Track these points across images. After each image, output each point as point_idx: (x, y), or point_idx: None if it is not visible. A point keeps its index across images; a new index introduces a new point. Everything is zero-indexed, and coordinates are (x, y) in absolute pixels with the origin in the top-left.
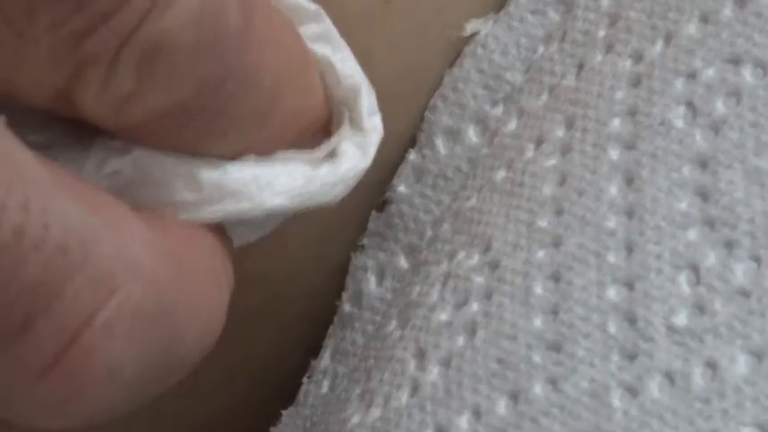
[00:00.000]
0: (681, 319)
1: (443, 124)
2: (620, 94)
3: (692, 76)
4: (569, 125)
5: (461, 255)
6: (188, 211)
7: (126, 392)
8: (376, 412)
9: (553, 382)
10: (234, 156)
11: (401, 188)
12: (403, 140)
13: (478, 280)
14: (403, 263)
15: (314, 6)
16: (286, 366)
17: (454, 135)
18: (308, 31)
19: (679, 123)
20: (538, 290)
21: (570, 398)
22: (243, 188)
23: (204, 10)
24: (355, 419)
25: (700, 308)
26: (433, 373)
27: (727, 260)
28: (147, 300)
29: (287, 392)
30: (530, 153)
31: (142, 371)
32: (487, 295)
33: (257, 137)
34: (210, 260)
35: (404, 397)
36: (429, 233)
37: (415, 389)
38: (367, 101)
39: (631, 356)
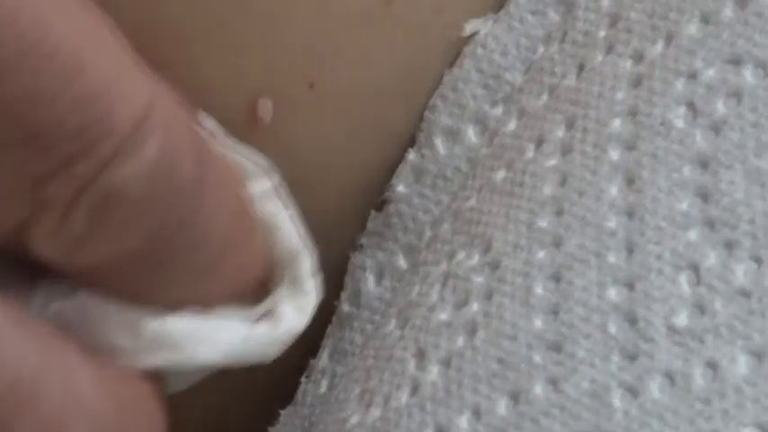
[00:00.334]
0: (681, 320)
1: (443, 124)
2: (620, 95)
3: (692, 76)
4: (570, 125)
5: (461, 255)
6: (125, 358)
7: None
8: (376, 412)
9: (553, 382)
10: (175, 307)
11: (400, 188)
12: (402, 140)
13: (479, 280)
14: (402, 262)
15: (264, 163)
16: (284, 366)
17: (454, 135)
18: (255, 188)
19: (679, 124)
20: (538, 290)
21: (570, 398)
22: (180, 341)
23: (162, 160)
24: (355, 419)
25: (700, 308)
26: (433, 372)
27: (727, 260)
28: None
29: (285, 392)
30: (530, 153)
31: None
32: (488, 295)
33: (201, 290)
34: (148, 403)
35: (404, 397)
36: (428, 233)
37: (415, 389)
38: (309, 262)
39: (632, 357)
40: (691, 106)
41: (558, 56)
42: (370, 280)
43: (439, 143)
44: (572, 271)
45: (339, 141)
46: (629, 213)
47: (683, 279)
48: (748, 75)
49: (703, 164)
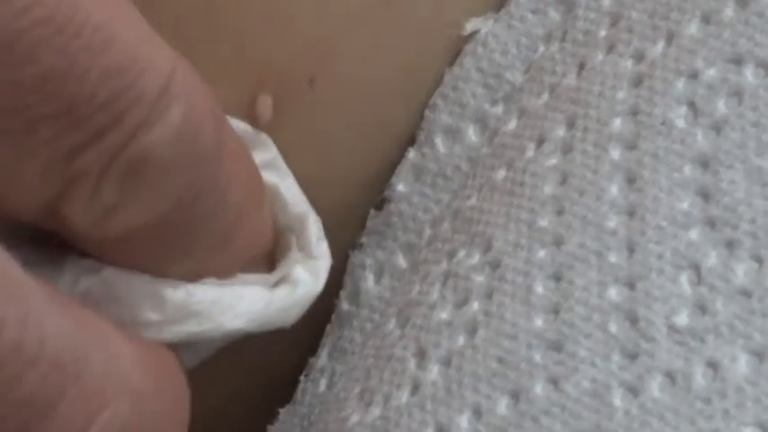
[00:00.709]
0: (682, 319)
1: (443, 123)
2: (621, 94)
3: (693, 75)
4: (570, 125)
5: (461, 254)
6: (152, 331)
7: None
8: (376, 411)
9: (554, 381)
10: (196, 278)
11: (400, 187)
12: (402, 139)
13: (479, 279)
14: (401, 261)
15: (262, 134)
16: (284, 365)
17: (454, 134)
18: (256, 158)
19: (680, 123)
20: (539, 289)
21: (571, 397)
22: (205, 310)
23: (186, 125)
24: (355, 418)
25: (701, 308)
26: (434, 372)
27: (728, 260)
28: (133, 414)
29: (284, 391)
30: (530, 152)
31: None
32: (488, 294)
33: (219, 259)
34: (179, 376)
35: (404, 396)
36: (428, 232)
37: (416, 388)
38: (315, 228)
39: (632, 356)
40: (692, 106)
41: (559, 55)
42: (370, 279)
43: (439, 142)
44: (573, 270)
45: (339, 140)
46: (630, 213)
47: (684, 278)
48: (749, 74)
49: (704, 163)
